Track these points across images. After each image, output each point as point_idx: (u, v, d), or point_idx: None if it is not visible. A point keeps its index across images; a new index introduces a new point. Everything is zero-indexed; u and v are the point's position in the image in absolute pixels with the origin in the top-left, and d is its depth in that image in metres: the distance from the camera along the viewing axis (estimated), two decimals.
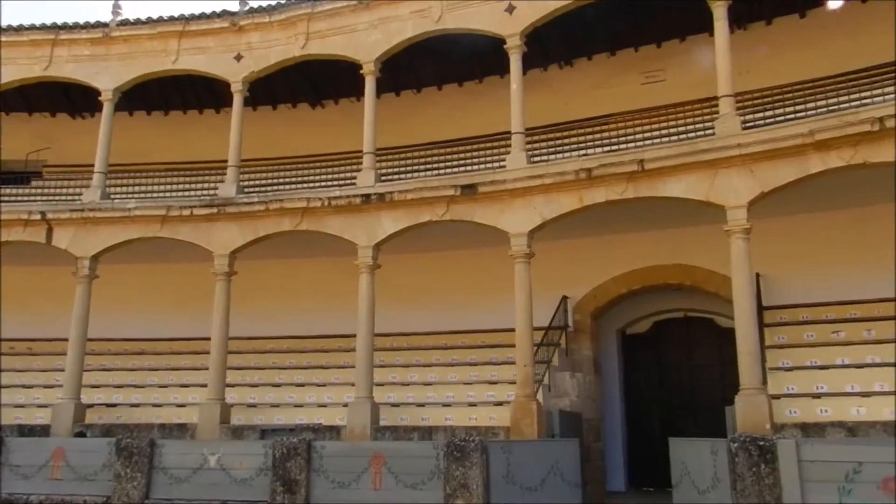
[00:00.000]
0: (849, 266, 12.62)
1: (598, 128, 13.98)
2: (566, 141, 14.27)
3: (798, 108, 12.19)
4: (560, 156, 13.95)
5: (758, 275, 13.15)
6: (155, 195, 16.18)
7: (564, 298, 15.15)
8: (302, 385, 15.15)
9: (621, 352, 16.41)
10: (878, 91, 11.42)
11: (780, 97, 12.47)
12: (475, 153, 14.99)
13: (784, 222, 12.84)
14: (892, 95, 10.86)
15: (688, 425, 14.81)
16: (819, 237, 13.03)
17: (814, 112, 11.80)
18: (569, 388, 14.32)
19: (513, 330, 12.53)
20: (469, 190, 13.04)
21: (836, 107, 11.59)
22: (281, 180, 16.37)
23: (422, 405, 13.88)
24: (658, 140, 13.08)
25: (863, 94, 11.59)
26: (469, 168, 14.76)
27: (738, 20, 13.27)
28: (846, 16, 13.63)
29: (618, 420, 15.85)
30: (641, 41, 15.21)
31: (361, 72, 14.34)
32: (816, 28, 13.77)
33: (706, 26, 12.25)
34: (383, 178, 14.26)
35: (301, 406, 14.51)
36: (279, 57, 15.05)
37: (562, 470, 11.41)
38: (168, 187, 16.67)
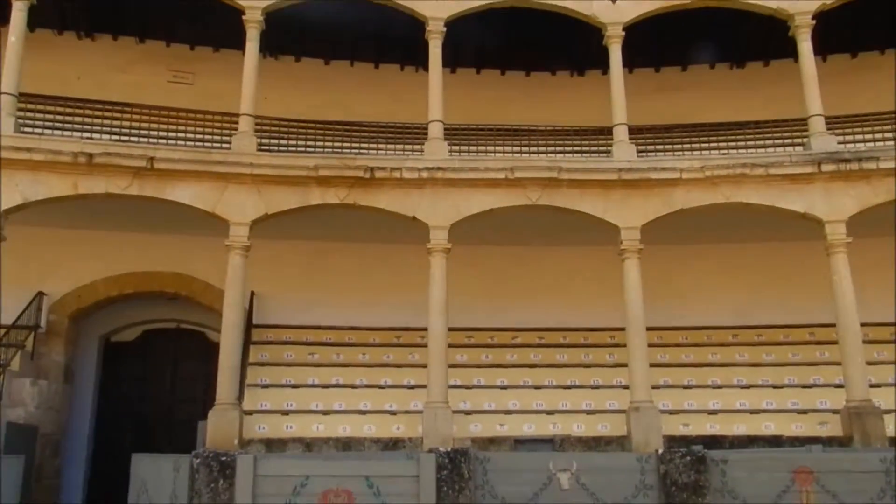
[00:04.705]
0: (330, 294, 13.89)
1: (111, 113, 12.69)
2: (71, 119, 12.63)
3: (309, 143, 13.12)
4: (60, 133, 12.29)
5: (253, 293, 13.57)
6: None
7: (40, 294, 13.29)
8: None
9: (102, 360, 15.04)
10: (374, 145, 13.07)
11: (296, 130, 13.26)
12: None
13: (286, 245, 13.55)
14: (383, 150, 12.63)
15: (165, 441, 14.24)
16: (312, 264, 14.11)
17: (321, 150, 12.86)
18: (27, 397, 12.59)
19: None
20: None
21: (340, 150, 12.84)
22: None
23: None
24: (174, 143, 12.56)
25: (362, 146, 13.09)
26: None
27: (273, 48, 13.76)
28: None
29: (85, 435, 14.39)
30: (174, 38, 14.56)
31: None
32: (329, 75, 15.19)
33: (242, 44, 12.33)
34: None
35: None
36: None
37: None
38: None
